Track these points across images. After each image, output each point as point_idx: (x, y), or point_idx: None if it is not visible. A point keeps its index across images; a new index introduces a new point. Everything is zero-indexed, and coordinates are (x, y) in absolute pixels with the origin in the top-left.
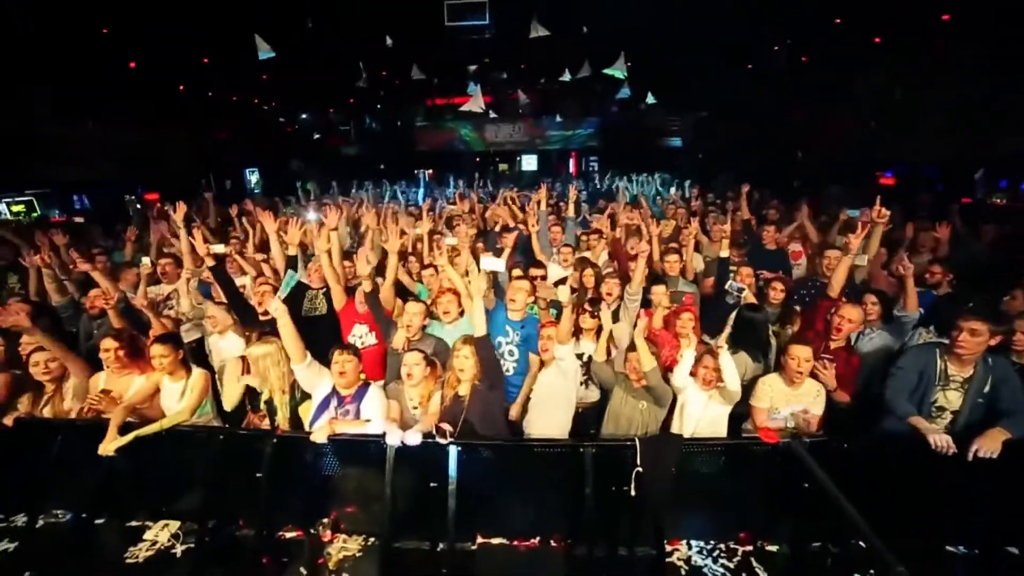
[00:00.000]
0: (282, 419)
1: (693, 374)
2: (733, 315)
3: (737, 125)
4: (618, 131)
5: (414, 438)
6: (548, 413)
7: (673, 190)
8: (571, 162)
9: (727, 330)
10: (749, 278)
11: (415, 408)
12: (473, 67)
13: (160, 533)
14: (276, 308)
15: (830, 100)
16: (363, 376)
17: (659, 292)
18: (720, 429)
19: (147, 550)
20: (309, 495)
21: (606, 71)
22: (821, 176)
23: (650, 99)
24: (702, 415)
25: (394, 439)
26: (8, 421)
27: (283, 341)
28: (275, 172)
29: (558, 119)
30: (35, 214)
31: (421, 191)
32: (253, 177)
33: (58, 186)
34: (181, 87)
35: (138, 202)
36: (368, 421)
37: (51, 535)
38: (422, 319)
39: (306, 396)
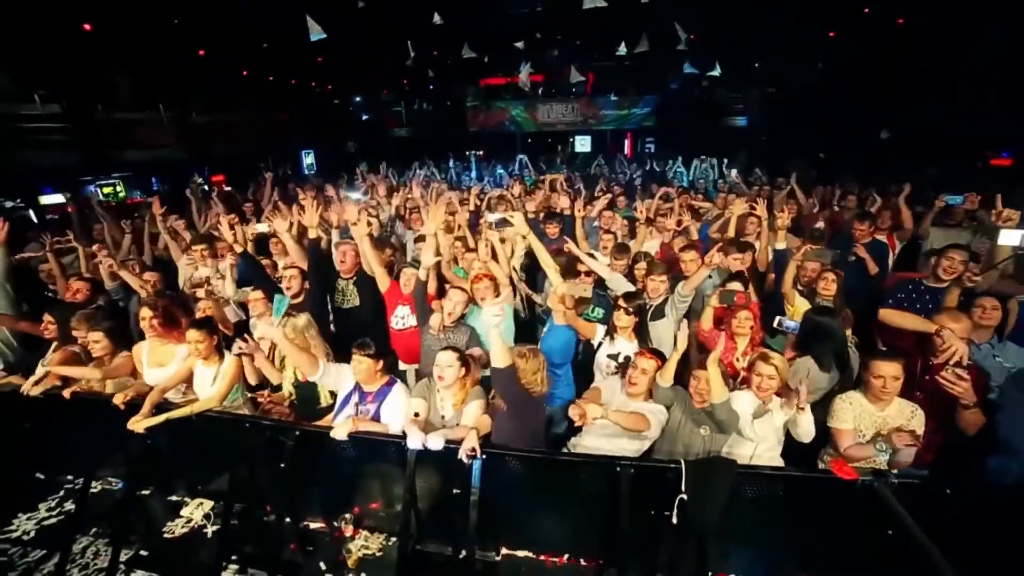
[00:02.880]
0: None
1: (746, 382)
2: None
3: (810, 101)
4: (677, 110)
5: (436, 442)
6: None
7: (734, 173)
8: (626, 143)
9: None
10: (814, 272)
11: (444, 415)
12: (523, 44)
13: (195, 511)
14: (270, 335)
15: (930, 70)
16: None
17: (732, 285)
18: (777, 449)
19: (182, 526)
20: (334, 488)
21: (669, 45)
22: (913, 158)
23: (715, 71)
24: (761, 434)
25: (415, 442)
26: (66, 394)
27: (290, 360)
28: (329, 154)
29: (613, 98)
30: (122, 195)
31: (473, 173)
32: (308, 158)
33: (137, 168)
34: (244, 72)
35: (205, 183)
36: (387, 424)
37: (105, 500)
38: (464, 307)
39: None
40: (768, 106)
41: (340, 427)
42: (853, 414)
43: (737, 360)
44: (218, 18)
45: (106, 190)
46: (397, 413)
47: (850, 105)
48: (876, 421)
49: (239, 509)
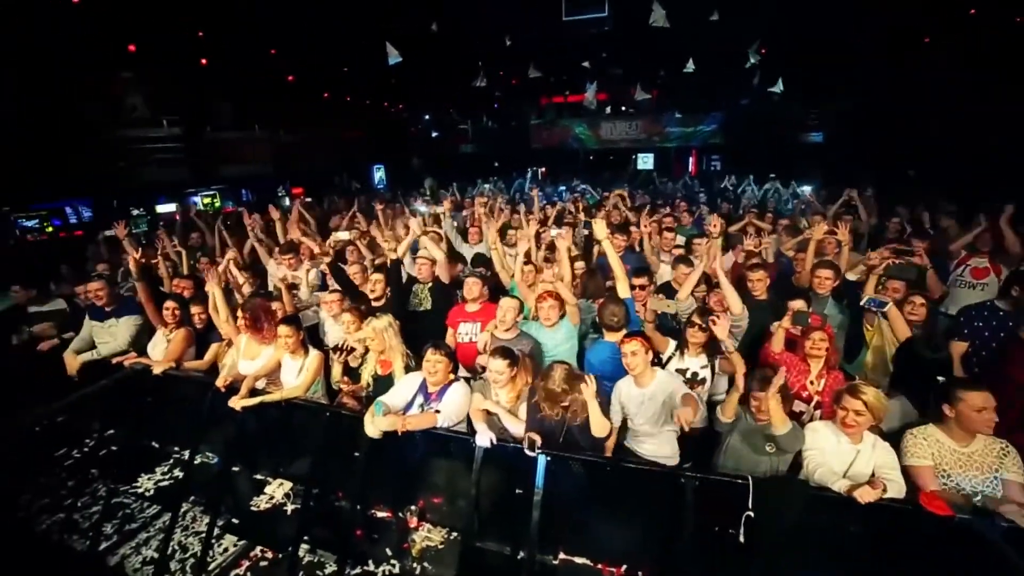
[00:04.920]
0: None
1: (829, 416)
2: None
3: (894, 117)
4: (745, 126)
5: (484, 440)
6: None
7: (808, 191)
8: (691, 161)
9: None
10: (898, 293)
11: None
12: (588, 63)
13: (277, 490)
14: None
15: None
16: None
17: (797, 306)
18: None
19: (266, 503)
20: (402, 480)
21: (739, 60)
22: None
23: (779, 87)
24: (848, 470)
25: (484, 440)
26: (157, 370)
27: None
28: (399, 169)
29: (677, 115)
30: (217, 204)
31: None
32: (379, 173)
33: (230, 181)
34: (326, 94)
35: (286, 195)
36: (437, 412)
37: (204, 472)
38: (515, 315)
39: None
40: (845, 122)
41: (385, 420)
42: (933, 451)
43: (811, 383)
44: (306, 47)
45: (205, 201)
46: (452, 405)
47: (938, 118)
48: (960, 459)
49: (315, 492)
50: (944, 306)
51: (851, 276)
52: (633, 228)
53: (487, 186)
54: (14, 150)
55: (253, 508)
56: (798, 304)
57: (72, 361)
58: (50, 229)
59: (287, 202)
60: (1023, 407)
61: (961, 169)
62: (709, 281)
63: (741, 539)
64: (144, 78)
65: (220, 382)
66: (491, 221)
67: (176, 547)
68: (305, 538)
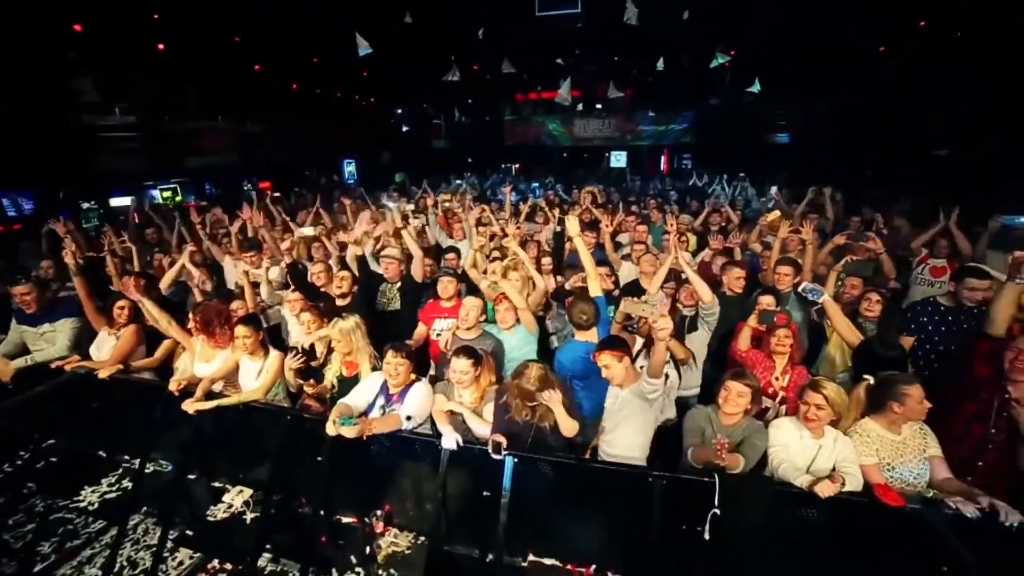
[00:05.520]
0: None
1: (792, 412)
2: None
3: (858, 117)
4: (715, 125)
5: (450, 442)
6: (629, 428)
7: (775, 191)
8: (662, 159)
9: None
10: (855, 289)
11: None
12: (562, 60)
13: (236, 498)
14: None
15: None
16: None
17: (766, 302)
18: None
19: (224, 512)
20: (367, 484)
21: (710, 60)
22: (969, 178)
23: (756, 87)
24: (811, 465)
25: (449, 442)
26: (103, 374)
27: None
28: (369, 164)
29: (651, 113)
30: (178, 199)
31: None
32: (349, 168)
33: (193, 174)
34: (294, 85)
35: (253, 189)
36: (407, 418)
37: (156, 481)
38: (478, 314)
39: None
40: (813, 122)
41: (350, 428)
42: (876, 446)
43: (776, 379)
44: (274, 35)
45: (165, 194)
46: (415, 406)
47: (900, 124)
48: (897, 447)
49: (276, 499)
50: (906, 303)
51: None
52: (602, 226)
53: (459, 182)
54: None
55: (210, 518)
56: (766, 301)
57: (4, 368)
58: None
59: (254, 196)
60: (984, 401)
61: (929, 169)
62: (678, 278)
63: (707, 536)
64: (93, 61)
65: (173, 385)
66: (468, 217)
67: (125, 563)
68: (267, 547)
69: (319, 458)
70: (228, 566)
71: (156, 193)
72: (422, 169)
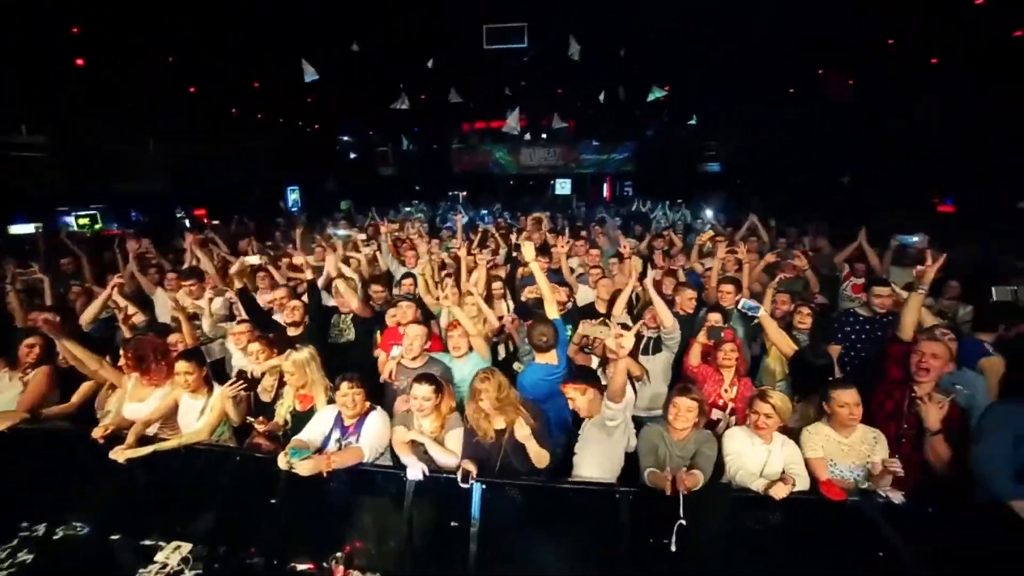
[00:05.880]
0: None
1: (742, 421)
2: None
3: (778, 149)
4: (653, 155)
5: (416, 473)
6: (595, 460)
7: (710, 214)
8: (605, 187)
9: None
10: (785, 305)
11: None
12: (509, 91)
13: (171, 555)
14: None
15: (880, 125)
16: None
17: (714, 319)
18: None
19: (156, 572)
20: (324, 525)
21: (647, 94)
22: (868, 203)
23: (692, 120)
24: (763, 469)
25: (415, 473)
26: (1, 426)
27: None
28: (314, 190)
29: (594, 143)
30: (98, 226)
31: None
32: (293, 195)
33: (116, 200)
34: (234, 111)
35: (187, 217)
36: (359, 450)
37: (67, 547)
38: (423, 343)
39: None
40: (741, 153)
41: (305, 465)
42: (821, 443)
43: (725, 391)
44: (212, 56)
45: (81, 221)
46: (374, 436)
47: (813, 153)
48: (843, 448)
49: (223, 551)
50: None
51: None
52: (554, 250)
53: (409, 209)
54: None
55: None
56: (714, 318)
57: None
58: None
59: (187, 224)
60: (897, 400)
61: (839, 194)
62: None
63: (673, 548)
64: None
65: (99, 432)
66: (420, 243)
67: None
68: None
69: (272, 500)
70: None
71: (70, 219)
72: (369, 196)
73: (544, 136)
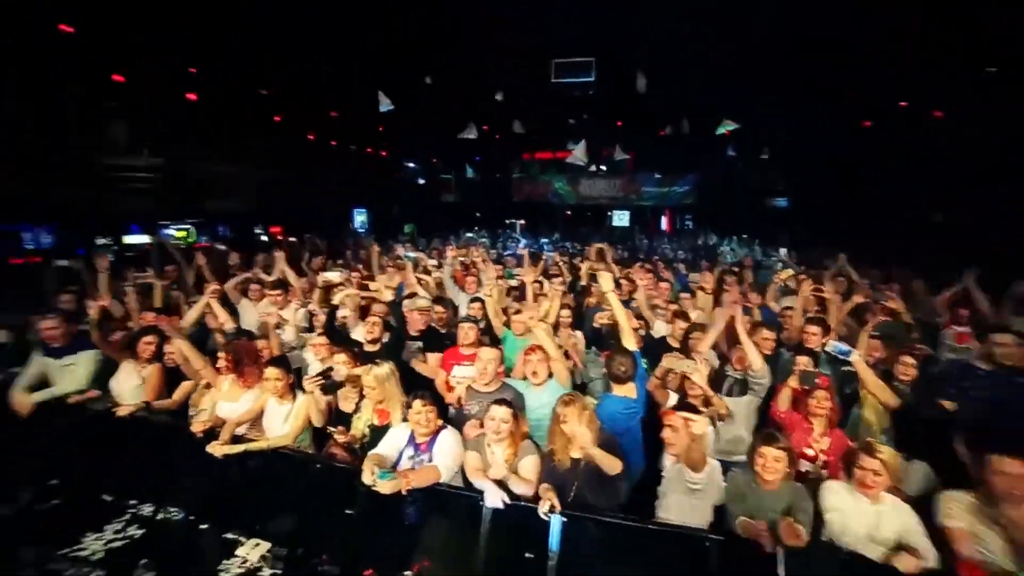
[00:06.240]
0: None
1: (834, 475)
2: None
3: (855, 186)
4: (716, 188)
5: (494, 500)
6: (681, 509)
7: (783, 252)
8: (664, 219)
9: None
10: (878, 351)
11: (494, 469)
12: (573, 121)
13: (251, 552)
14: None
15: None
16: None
17: (804, 363)
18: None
19: (238, 567)
20: (396, 542)
21: (711, 127)
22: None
23: (764, 155)
24: (872, 533)
25: (494, 500)
26: (123, 412)
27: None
28: (380, 214)
29: (656, 176)
30: (191, 239)
31: (522, 242)
32: (360, 218)
33: (208, 216)
34: (311, 136)
35: (264, 234)
36: (435, 469)
37: (165, 529)
38: (496, 366)
39: None
40: (810, 188)
41: (385, 484)
42: (969, 520)
43: (815, 441)
44: (294, 89)
45: (179, 234)
46: (449, 456)
47: (898, 191)
48: (996, 530)
49: (299, 553)
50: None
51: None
52: (624, 282)
53: (471, 235)
54: None
55: (223, 573)
56: (804, 361)
57: (23, 399)
58: None
59: (264, 239)
60: None
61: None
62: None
63: None
64: (129, 108)
65: (197, 427)
66: (488, 268)
67: None
68: None
69: (348, 511)
70: None
71: (171, 232)
72: (431, 221)
73: (604, 168)
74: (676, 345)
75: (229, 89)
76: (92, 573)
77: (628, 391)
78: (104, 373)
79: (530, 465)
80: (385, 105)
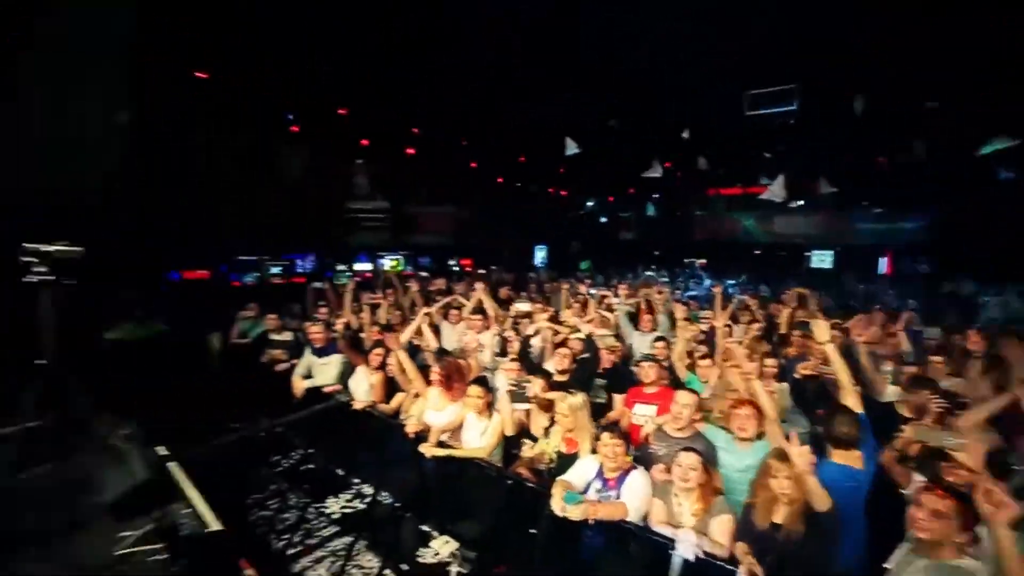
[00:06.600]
0: None
1: None
2: None
3: None
4: (967, 226)
5: (689, 551)
6: None
7: None
8: (883, 261)
9: None
10: None
11: (680, 522)
12: (769, 155)
13: (443, 547)
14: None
15: None
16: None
17: None
18: None
19: (431, 557)
20: (574, 568)
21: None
22: None
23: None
24: None
25: (688, 551)
26: (359, 405)
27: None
28: (558, 250)
29: (875, 210)
30: (399, 268)
31: (706, 282)
32: (540, 253)
33: (413, 249)
34: (500, 179)
35: (457, 265)
36: (623, 506)
37: (378, 509)
38: (692, 412)
39: None
40: None
41: (576, 509)
42: None
43: None
44: (490, 136)
45: (391, 263)
46: (639, 499)
47: None
48: None
49: (482, 558)
50: None
51: None
52: (835, 333)
53: (650, 273)
54: (277, 217)
55: (419, 560)
56: None
57: (299, 384)
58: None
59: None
60: None
61: None
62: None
63: None
64: (369, 162)
65: (410, 428)
66: (677, 309)
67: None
68: None
69: (532, 530)
70: None
71: (385, 261)
72: (607, 258)
73: (802, 202)
74: (909, 415)
75: (439, 142)
76: (330, 528)
77: (852, 459)
78: (346, 373)
79: (724, 526)
80: (571, 149)
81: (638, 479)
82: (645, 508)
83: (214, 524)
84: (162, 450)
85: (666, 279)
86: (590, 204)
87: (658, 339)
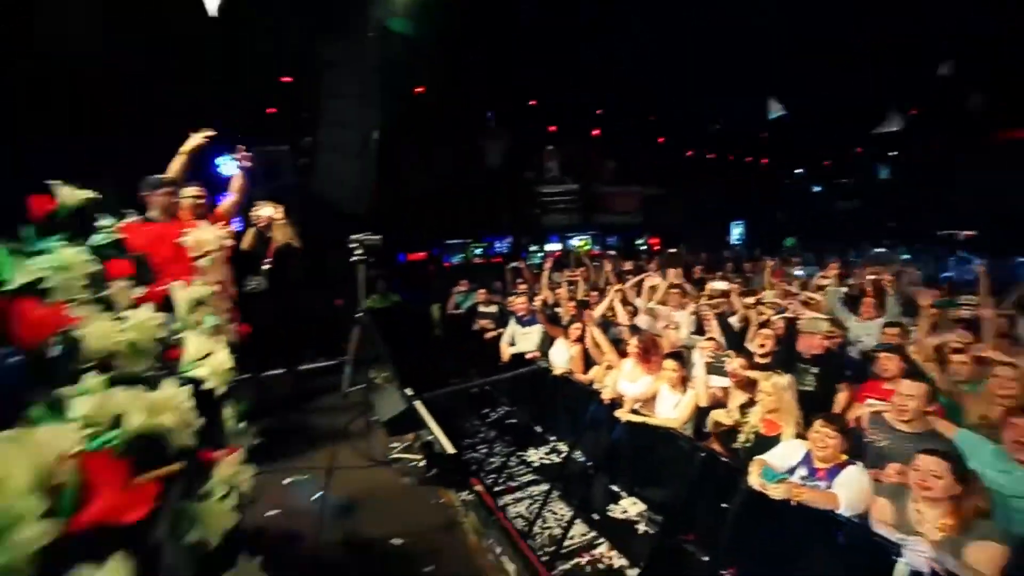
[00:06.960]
0: None
1: None
2: None
3: None
4: None
5: (921, 561)
6: None
7: None
8: None
9: None
10: None
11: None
12: None
13: (631, 507)
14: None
15: None
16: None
17: None
18: None
19: (620, 513)
20: (767, 550)
21: None
22: None
23: None
24: None
25: (917, 561)
26: (557, 371)
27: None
28: (758, 225)
29: None
30: (587, 248)
31: (975, 260)
32: (737, 230)
33: (601, 228)
34: (689, 152)
35: (645, 244)
36: (834, 496)
37: (571, 466)
38: (922, 404)
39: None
40: None
41: (779, 487)
42: None
43: None
44: (675, 109)
45: (580, 243)
46: (856, 495)
47: None
48: None
49: (670, 525)
50: None
51: None
52: None
53: (880, 250)
54: (477, 203)
55: (610, 514)
56: None
57: (506, 350)
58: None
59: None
60: None
61: None
62: None
63: None
64: (561, 148)
65: (606, 395)
66: (922, 295)
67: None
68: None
69: (724, 504)
70: (613, 554)
71: (574, 241)
72: (819, 232)
73: None
74: None
75: (623, 121)
76: (528, 475)
77: None
78: (546, 342)
79: (989, 555)
80: (776, 111)
81: (855, 475)
82: (862, 506)
83: (450, 448)
84: (409, 391)
85: (906, 256)
86: (798, 172)
87: (889, 324)
